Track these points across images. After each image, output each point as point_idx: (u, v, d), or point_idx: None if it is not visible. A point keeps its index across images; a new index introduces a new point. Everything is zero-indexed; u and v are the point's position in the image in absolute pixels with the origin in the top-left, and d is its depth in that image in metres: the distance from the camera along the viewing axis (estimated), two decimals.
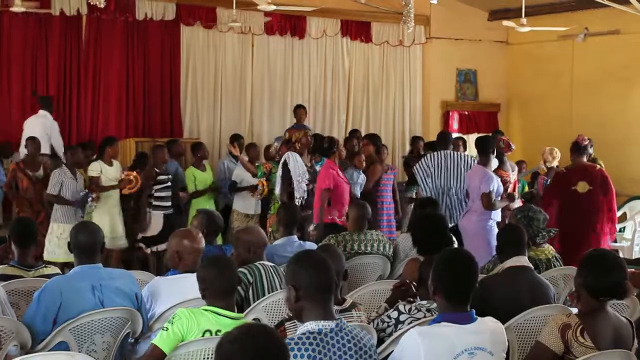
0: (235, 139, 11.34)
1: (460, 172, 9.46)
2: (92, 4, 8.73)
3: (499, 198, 8.71)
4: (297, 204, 9.09)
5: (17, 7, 10.38)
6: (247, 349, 2.66)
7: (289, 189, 9.21)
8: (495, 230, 8.19)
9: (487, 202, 8.47)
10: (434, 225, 5.86)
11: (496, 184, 8.68)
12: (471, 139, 14.65)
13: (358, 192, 10.08)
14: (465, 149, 11.90)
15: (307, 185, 9.37)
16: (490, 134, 13.35)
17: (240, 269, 5.24)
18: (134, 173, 9.67)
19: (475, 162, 9.46)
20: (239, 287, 5.21)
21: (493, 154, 9.03)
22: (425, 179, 9.55)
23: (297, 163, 9.23)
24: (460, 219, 8.89)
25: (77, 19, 12.14)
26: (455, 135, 13.63)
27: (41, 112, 11.08)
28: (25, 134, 10.59)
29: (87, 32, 12.29)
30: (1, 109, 11.88)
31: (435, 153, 9.68)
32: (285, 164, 9.20)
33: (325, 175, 9.14)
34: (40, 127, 10.82)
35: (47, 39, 12.04)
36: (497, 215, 8.75)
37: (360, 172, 9.96)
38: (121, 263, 9.79)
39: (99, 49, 12.35)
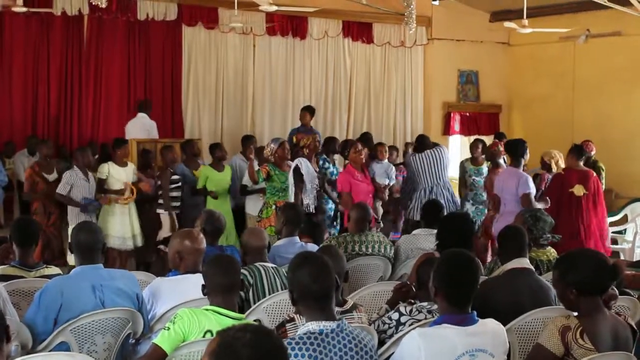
0: (247, 140, 11.40)
1: (446, 166, 10.06)
2: (93, 4, 8.73)
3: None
4: (306, 210, 9.07)
5: (19, 7, 10.38)
6: (246, 349, 2.66)
7: (300, 195, 9.16)
8: None
9: (528, 203, 8.54)
10: (462, 224, 5.90)
11: (532, 185, 8.82)
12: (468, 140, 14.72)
13: (386, 181, 10.15)
14: (483, 152, 11.89)
15: (317, 190, 9.35)
16: (494, 135, 13.43)
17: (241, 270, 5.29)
18: (130, 185, 9.69)
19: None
20: None
21: (523, 157, 9.11)
22: (417, 172, 10.04)
23: (308, 169, 9.20)
24: (494, 223, 8.87)
25: (79, 19, 12.15)
26: (473, 137, 13.60)
27: (140, 114, 11.56)
28: (129, 136, 11.20)
29: (88, 32, 12.30)
30: (3, 109, 11.89)
31: (419, 154, 10.17)
32: (297, 170, 9.15)
33: (339, 180, 9.43)
34: (141, 127, 11.42)
35: (49, 39, 12.04)
36: None
37: (382, 161, 10.08)
38: (135, 264, 9.83)
39: (101, 49, 12.36)
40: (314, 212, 9.22)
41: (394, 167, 10.68)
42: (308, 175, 9.16)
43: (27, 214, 10.13)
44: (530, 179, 8.98)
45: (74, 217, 9.31)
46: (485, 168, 11.27)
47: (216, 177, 10.35)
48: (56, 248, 9.60)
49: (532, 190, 8.83)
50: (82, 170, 9.40)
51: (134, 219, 9.78)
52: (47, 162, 9.89)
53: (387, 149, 10.65)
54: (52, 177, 9.75)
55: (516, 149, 9.11)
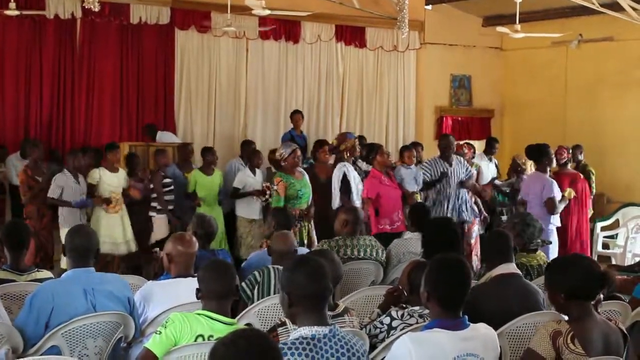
0: (247, 145, 11.38)
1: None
2: (86, 7, 8.73)
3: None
4: None
5: (12, 10, 10.35)
6: (243, 352, 2.68)
7: (345, 200, 9.12)
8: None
9: (552, 207, 8.72)
10: (448, 229, 5.89)
11: (557, 190, 8.87)
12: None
13: (414, 186, 9.98)
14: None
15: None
16: (486, 140, 13.44)
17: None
18: (118, 196, 9.69)
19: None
20: (245, 286, 5.27)
21: (545, 160, 9.11)
22: None
23: (354, 174, 9.25)
24: None
25: (72, 22, 12.10)
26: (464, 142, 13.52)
27: (160, 132, 12.11)
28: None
29: (81, 35, 12.25)
30: None
31: None
32: (345, 176, 9.17)
33: (366, 185, 9.36)
34: (169, 137, 12.08)
35: (42, 43, 11.98)
36: (556, 220, 8.94)
37: (410, 166, 9.93)
38: (125, 268, 9.80)
39: (93, 53, 12.31)
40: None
41: (421, 173, 10.54)
42: (355, 180, 9.19)
43: (20, 217, 10.13)
44: (555, 184, 9.01)
45: (64, 219, 9.31)
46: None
47: (205, 182, 10.35)
48: (50, 251, 9.59)
49: (557, 195, 8.88)
50: (73, 174, 9.41)
51: (126, 224, 9.78)
52: (37, 166, 9.89)
53: (414, 153, 10.36)
54: (43, 179, 9.76)
55: (540, 154, 9.17)
